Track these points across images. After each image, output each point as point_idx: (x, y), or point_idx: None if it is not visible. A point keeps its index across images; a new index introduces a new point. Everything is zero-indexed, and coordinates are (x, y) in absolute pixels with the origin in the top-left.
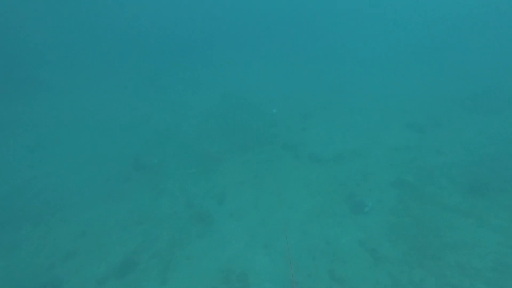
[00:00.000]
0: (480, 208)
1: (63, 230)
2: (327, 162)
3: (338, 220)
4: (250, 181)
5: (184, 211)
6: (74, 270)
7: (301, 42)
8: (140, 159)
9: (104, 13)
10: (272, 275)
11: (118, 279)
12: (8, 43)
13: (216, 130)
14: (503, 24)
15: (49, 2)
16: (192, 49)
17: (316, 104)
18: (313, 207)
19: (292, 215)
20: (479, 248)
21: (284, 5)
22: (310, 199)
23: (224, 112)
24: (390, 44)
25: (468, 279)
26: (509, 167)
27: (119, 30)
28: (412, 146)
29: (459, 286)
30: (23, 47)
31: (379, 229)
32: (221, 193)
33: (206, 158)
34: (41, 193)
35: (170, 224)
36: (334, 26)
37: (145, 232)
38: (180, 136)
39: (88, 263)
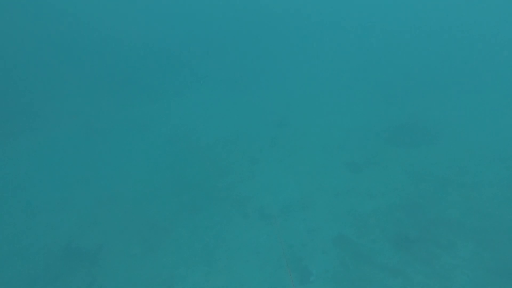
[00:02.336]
0: (404, 264)
1: None
2: (276, 218)
3: None
4: (199, 254)
5: None
6: None
7: (244, 74)
8: (74, 244)
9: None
10: None
11: None
12: None
13: (163, 188)
14: (422, 54)
15: None
16: (133, 81)
17: (263, 143)
18: (263, 284)
19: None
20: None
21: (225, 35)
22: (260, 272)
23: (172, 162)
24: (326, 73)
25: None
26: (425, 211)
27: (46, 58)
28: (350, 190)
29: None
30: None
31: None
32: (169, 278)
33: (152, 230)
34: None
35: None
36: (275, 59)
37: None
38: (122, 204)
39: None
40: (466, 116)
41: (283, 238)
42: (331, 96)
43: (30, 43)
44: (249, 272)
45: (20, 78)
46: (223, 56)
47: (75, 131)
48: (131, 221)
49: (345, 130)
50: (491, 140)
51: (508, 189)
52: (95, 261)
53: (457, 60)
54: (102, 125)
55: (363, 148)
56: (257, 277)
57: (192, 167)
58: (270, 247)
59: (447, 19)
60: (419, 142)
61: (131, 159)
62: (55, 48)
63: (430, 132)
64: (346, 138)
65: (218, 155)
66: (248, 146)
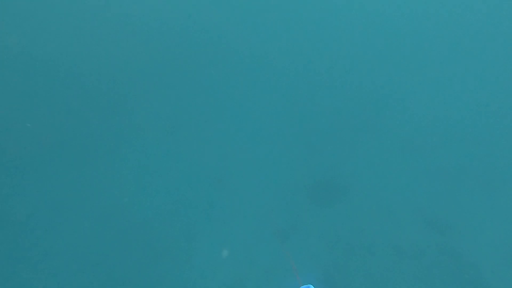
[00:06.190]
0: None
1: None
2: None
3: None
4: None
5: None
6: None
7: (180, 123)
8: None
9: None
10: None
11: None
12: None
13: None
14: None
15: None
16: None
17: (199, 212)
18: None
19: None
20: None
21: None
22: None
23: (102, 255)
24: (256, 121)
25: None
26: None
27: None
28: (277, 265)
29: None
30: None
31: None
32: None
33: None
34: None
35: None
36: (206, 109)
37: None
38: None
39: None
40: (372, 170)
41: None
42: (260, 146)
43: None
44: None
45: None
46: (155, 104)
47: None
48: None
49: (274, 189)
50: (390, 198)
51: (399, 256)
52: None
53: (376, 106)
54: (19, 213)
55: (289, 210)
56: None
57: (125, 258)
58: None
59: (368, 67)
60: (334, 200)
61: (51, 261)
62: None
63: (342, 188)
64: (275, 198)
65: (154, 233)
66: (185, 217)
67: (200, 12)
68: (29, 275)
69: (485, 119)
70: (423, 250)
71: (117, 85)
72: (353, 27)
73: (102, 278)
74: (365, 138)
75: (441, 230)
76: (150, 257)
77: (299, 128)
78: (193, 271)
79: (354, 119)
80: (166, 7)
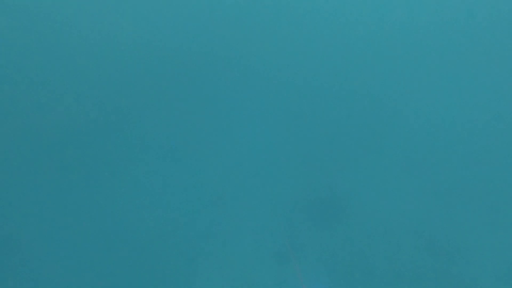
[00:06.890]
0: None
1: None
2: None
3: None
4: None
5: None
6: None
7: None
8: None
9: None
10: None
11: None
12: None
13: None
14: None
15: None
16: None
17: (199, 233)
18: None
19: None
20: None
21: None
22: None
23: (102, 280)
24: (253, 135)
25: None
26: None
27: None
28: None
29: None
30: None
31: None
32: None
33: None
34: None
35: None
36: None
37: None
38: None
39: None
40: (372, 192)
41: None
42: (260, 168)
43: None
44: None
45: None
46: (153, 126)
47: None
48: None
49: (273, 210)
50: (391, 220)
51: (399, 280)
52: None
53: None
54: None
55: (288, 230)
56: None
57: (126, 280)
58: None
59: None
60: (334, 222)
61: (52, 281)
62: None
63: (342, 209)
64: (273, 217)
65: (154, 256)
66: (185, 238)
67: (205, 39)
68: None
69: (489, 141)
70: (423, 275)
71: (118, 106)
72: (358, 45)
73: None
74: (366, 159)
75: (442, 254)
76: (153, 285)
77: (299, 149)
78: None
79: (354, 138)
80: (172, 28)
